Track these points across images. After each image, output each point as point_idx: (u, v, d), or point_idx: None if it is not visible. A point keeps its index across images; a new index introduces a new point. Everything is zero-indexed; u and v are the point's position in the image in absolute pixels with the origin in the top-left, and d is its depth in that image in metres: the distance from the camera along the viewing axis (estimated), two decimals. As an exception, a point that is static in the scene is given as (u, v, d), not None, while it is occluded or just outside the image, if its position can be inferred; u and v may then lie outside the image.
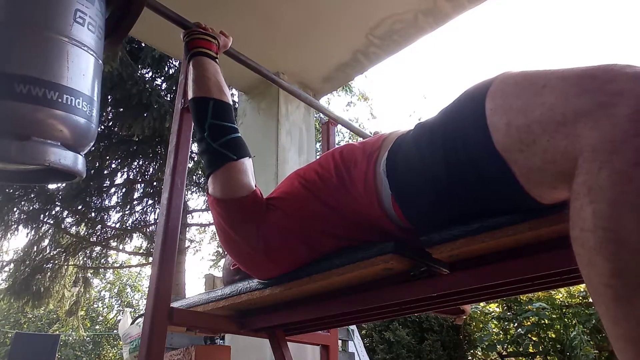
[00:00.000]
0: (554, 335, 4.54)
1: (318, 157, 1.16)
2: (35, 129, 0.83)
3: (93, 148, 6.57)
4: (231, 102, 1.11)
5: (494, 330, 5.14)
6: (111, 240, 8.90)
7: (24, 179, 0.95)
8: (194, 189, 8.40)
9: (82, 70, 0.91)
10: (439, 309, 1.17)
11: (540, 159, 0.59)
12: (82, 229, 8.55)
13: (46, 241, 8.57)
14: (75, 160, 0.90)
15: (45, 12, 0.90)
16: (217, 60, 1.20)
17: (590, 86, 0.55)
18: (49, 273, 8.68)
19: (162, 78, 6.96)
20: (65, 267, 8.98)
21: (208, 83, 1.09)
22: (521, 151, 0.61)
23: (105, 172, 7.59)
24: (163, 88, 6.77)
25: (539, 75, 0.62)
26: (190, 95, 1.10)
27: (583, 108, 0.54)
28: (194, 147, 5.86)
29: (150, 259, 7.07)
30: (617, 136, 0.50)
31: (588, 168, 0.52)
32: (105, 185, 7.85)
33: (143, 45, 6.20)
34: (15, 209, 7.80)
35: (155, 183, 7.96)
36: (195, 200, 9.32)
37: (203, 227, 11.14)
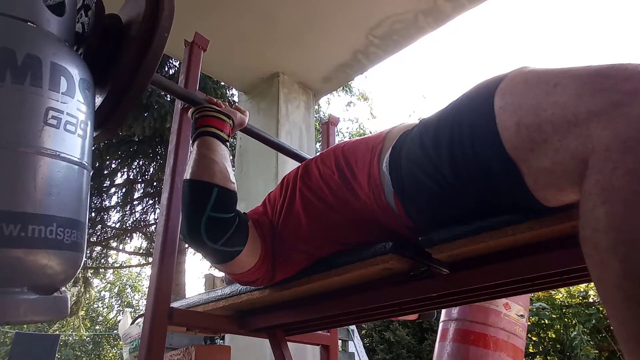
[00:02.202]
0: (554, 335, 4.53)
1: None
2: None
3: (93, 148, 6.58)
4: (236, 190, 0.96)
5: (494, 330, 5.13)
6: (111, 240, 8.89)
7: None
8: (194, 189, 8.38)
9: (57, 187, 0.70)
10: (439, 308, 1.17)
11: (551, 159, 0.58)
12: (82, 229, 8.54)
13: (46, 241, 8.55)
14: (51, 306, 0.70)
15: (1, 118, 0.68)
16: (227, 144, 1.04)
17: (604, 85, 0.54)
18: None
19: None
20: (65, 267, 8.97)
21: (213, 167, 0.93)
22: (531, 151, 0.60)
23: (105, 172, 7.58)
24: (163, 88, 6.78)
25: (550, 74, 0.62)
26: (187, 175, 0.94)
27: (596, 107, 0.53)
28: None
29: (150, 259, 7.07)
30: (631, 135, 0.49)
31: (601, 168, 0.51)
32: (105, 185, 7.84)
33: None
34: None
35: (155, 183, 7.95)
36: (195, 200, 9.31)
37: (203, 227, 11.11)
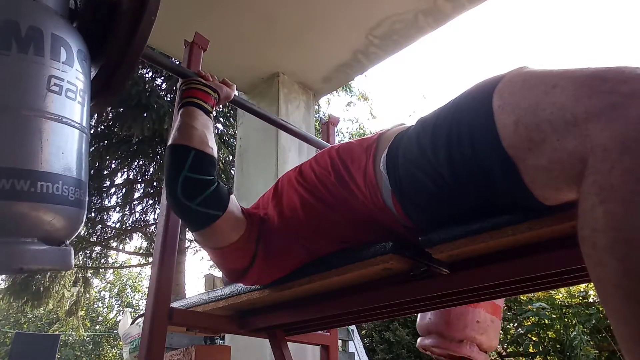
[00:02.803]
0: (554, 335, 4.53)
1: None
2: (3, 229, 0.71)
3: (93, 148, 6.59)
4: (216, 155, 1.00)
5: (494, 330, 5.13)
6: (111, 240, 8.89)
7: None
8: (194, 189, 8.37)
9: (61, 148, 0.77)
10: (439, 308, 1.17)
11: (548, 158, 0.59)
12: (82, 229, 8.54)
13: (46, 241, 8.54)
14: (58, 255, 0.77)
15: (8, 84, 0.74)
16: (211, 115, 1.09)
17: (602, 87, 0.55)
18: (48, 273, 8.68)
19: (162, 78, 6.96)
20: (65, 267, 8.98)
21: (192, 132, 0.98)
22: (530, 150, 0.61)
23: (105, 172, 7.58)
24: (163, 88, 6.77)
25: (548, 75, 0.63)
26: (168, 142, 1.00)
27: (594, 109, 0.54)
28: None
29: (150, 259, 7.07)
30: (628, 136, 0.50)
31: (599, 168, 0.51)
32: (105, 185, 7.84)
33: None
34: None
35: (155, 183, 7.95)
36: (195, 200, 9.29)
37: (203, 227, 11.09)
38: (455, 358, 1.33)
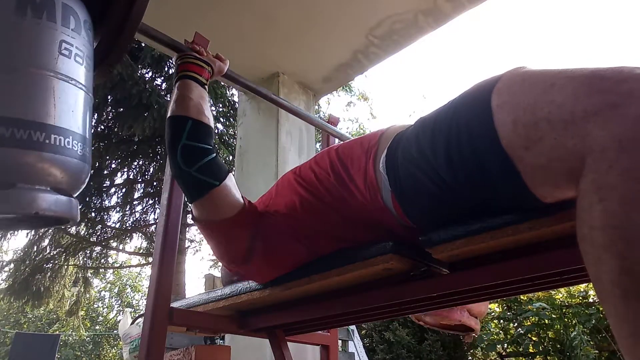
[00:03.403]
0: (554, 335, 4.54)
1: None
2: (21, 175, 0.76)
3: (93, 148, 6.58)
4: (212, 125, 1.04)
5: (493, 330, 5.15)
6: (111, 240, 8.89)
7: (9, 226, 0.88)
8: (194, 188, 8.36)
9: (71, 106, 0.83)
10: (439, 308, 1.17)
11: (547, 156, 0.59)
12: (82, 229, 8.55)
13: (46, 241, 8.56)
14: (68, 205, 0.83)
15: (25, 45, 0.81)
16: (206, 87, 1.13)
17: (600, 86, 0.55)
18: (48, 273, 8.69)
19: (162, 78, 6.96)
20: (65, 267, 8.99)
21: (188, 103, 1.02)
22: (527, 148, 0.61)
23: (105, 172, 7.58)
24: (163, 88, 6.77)
25: (547, 74, 0.63)
26: (168, 114, 1.04)
27: (593, 108, 0.54)
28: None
29: (150, 259, 7.06)
30: (626, 136, 0.51)
31: (597, 167, 0.52)
32: (105, 185, 7.84)
33: (143, 45, 6.20)
34: (15, 209, 7.77)
35: (155, 183, 7.95)
36: (195, 200, 9.29)
37: (203, 227, 11.09)
38: (446, 327, 1.35)
